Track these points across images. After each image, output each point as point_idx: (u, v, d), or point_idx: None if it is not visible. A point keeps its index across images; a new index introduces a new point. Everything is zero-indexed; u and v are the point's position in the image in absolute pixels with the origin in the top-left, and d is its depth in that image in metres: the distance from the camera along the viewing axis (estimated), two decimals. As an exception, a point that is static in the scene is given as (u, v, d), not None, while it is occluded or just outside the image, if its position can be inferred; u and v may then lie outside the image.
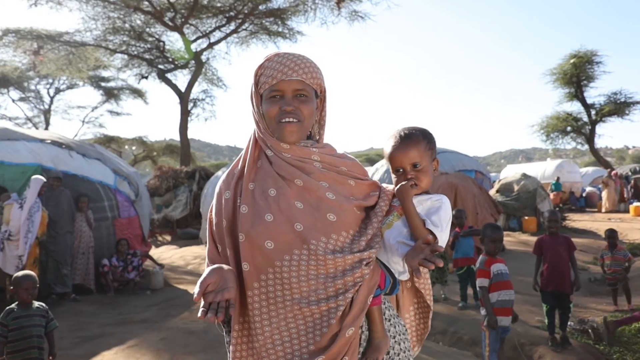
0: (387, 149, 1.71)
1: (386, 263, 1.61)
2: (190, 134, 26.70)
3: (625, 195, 19.74)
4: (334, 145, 1.76)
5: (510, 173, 20.31)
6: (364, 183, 1.69)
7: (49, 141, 7.94)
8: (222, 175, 1.86)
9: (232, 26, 21.50)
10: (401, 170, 1.67)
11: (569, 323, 5.22)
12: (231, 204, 1.59)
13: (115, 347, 4.91)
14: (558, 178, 21.50)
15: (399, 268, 1.60)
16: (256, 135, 1.66)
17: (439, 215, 1.58)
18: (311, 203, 1.55)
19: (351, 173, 1.66)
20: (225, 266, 1.47)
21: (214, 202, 1.67)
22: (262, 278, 1.50)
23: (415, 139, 1.66)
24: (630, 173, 23.24)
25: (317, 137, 1.75)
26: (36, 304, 3.67)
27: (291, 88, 1.55)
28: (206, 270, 1.42)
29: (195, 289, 1.34)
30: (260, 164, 1.63)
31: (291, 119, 1.54)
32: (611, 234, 6.69)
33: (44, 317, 3.64)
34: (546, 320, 5.15)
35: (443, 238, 1.55)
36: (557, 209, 17.07)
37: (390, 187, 1.75)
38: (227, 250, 1.56)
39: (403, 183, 1.62)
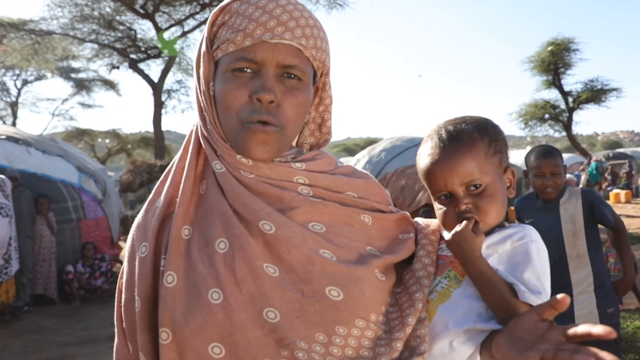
0: (422, 162, 1.01)
1: None
2: (167, 126, 26.08)
3: (605, 181, 19.47)
4: (330, 154, 1.02)
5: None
6: (387, 218, 0.97)
7: (3, 137, 7.25)
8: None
9: (207, 14, 20.76)
10: (449, 195, 0.97)
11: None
12: (150, 268, 0.86)
13: (75, 372, 4.34)
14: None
15: None
16: (199, 134, 0.94)
17: (532, 267, 0.89)
18: (293, 267, 0.84)
19: (364, 201, 0.95)
20: None
21: (124, 262, 0.94)
22: None
23: (468, 140, 0.96)
24: (604, 159, 23.12)
25: (308, 145, 1.03)
26: None
27: (276, 59, 0.84)
28: None
29: None
30: (205, 188, 0.91)
31: (267, 123, 0.84)
32: (613, 229, 6.31)
33: None
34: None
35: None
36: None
37: (432, 222, 1.05)
38: (140, 356, 0.84)
39: (458, 229, 0.91)
